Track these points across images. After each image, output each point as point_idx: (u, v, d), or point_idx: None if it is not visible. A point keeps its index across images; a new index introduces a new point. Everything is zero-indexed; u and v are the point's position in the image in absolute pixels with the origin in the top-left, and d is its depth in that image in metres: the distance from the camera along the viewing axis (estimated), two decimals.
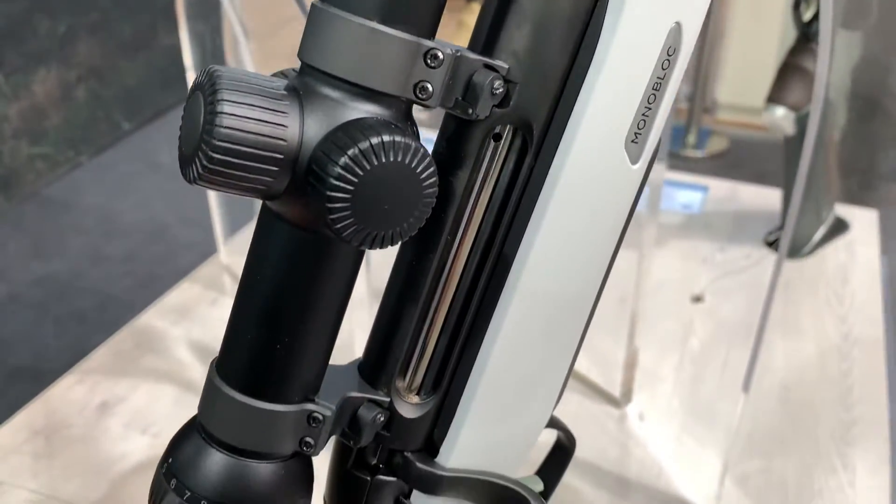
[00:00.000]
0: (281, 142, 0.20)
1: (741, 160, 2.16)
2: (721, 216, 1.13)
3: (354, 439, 0.26)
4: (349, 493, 0.27)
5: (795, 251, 1.03)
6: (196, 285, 0.99)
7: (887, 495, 0.72)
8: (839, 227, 1.06)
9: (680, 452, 0.76)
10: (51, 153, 2.46)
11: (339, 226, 0.20)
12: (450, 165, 0.24)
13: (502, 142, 0.24)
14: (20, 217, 2.36)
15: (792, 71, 0.88)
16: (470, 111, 0.23)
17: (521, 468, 0.33)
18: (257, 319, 0.24)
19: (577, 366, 0.86)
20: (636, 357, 0.82)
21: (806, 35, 0.87)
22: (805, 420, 0.80)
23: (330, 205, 0.20)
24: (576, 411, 0.81)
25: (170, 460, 0.25)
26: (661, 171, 0.76)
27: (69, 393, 0.83)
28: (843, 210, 1.10)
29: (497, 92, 0.23)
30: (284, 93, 0.21)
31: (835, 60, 0.89)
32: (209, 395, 0.25)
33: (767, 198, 1.15)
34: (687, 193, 1.16)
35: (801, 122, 0.89)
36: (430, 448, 0.27)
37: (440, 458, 0.27)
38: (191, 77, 0.99)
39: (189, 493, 0.24)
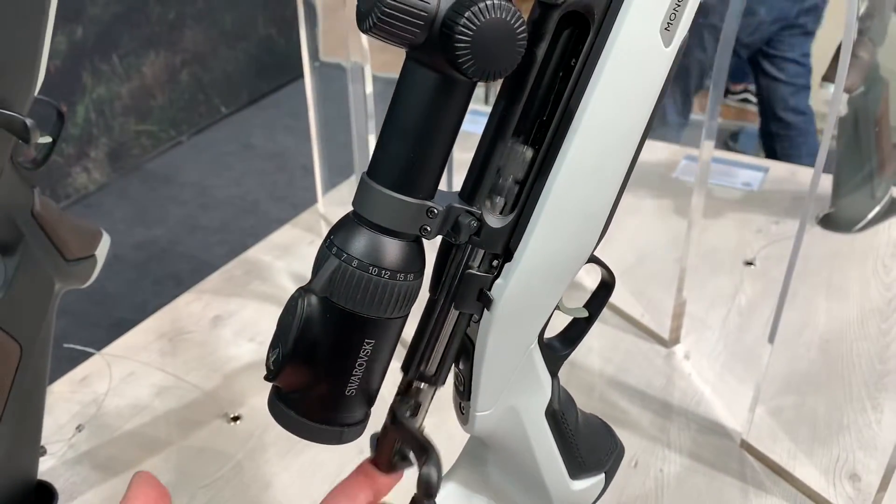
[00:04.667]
0: (426, 4, 0.31)
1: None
2: (779, 194, 1.20)
3: (455, 237, 0.37)
4: (449, 285, 0.38)
5: (849, 226, 1.09)
6: (297, 228, 1.12)
7: None
8: (894, 206, 1.12)
9: (719, 387, 0.85)
10: (155, 131, 2.67)
11: (461, 61, 0.31)
12: (534, 39, 0.35)
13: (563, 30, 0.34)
14: (125, 187, 2.57)
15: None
16: None
17: (574, 301, 0.43)
18: (398, 136, 0.34)
19: (632, 311, 0.95)
20: (684, 306, 0.91)
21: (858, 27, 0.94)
22: (841, 368, 0.87)
23: (457, 45, 0.31)
24: (628, 348, 0.90)
25: (331, 237, 0.36)
26: (709, 149, 0.85)
27: (188, 307, 0.97)
28: None
29: None
30: None
31: (889, 44, 0.96)
32: (362, 190, 0.36)
33: (825, 179, 1.21)
34: (748, 172, 1.24)
35: (853, 103, 0.96)
36: (507, 254, 0.38)
37: (513, 262, 0.37)
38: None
39: (346, 255, 0.35)
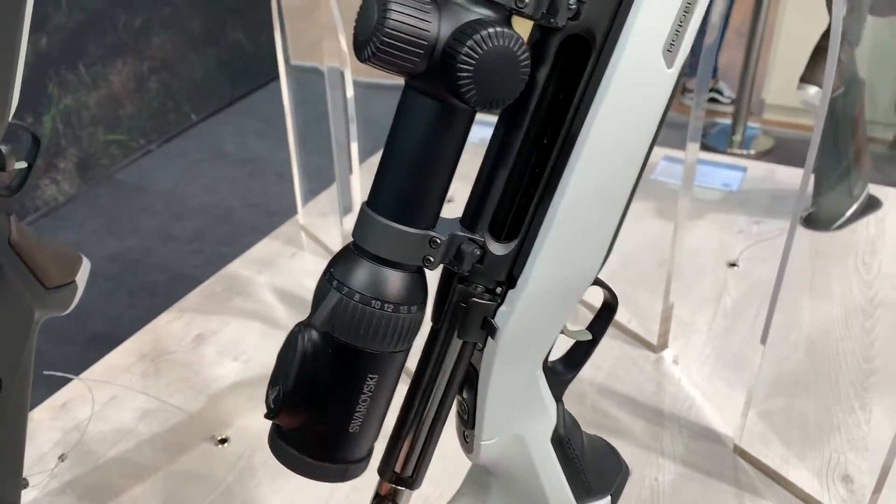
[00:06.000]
0: (426, 33, 0.30)
1: (787, 159, 2.22)
2: (758, 194, 1.21)
3: (458, 266, 0.36)
4: (452, 314, 0.37)
5: (828, 225, 1.10)
6: (277, 241, 1.11)
7: None
8: (872, 204, 1.13)
9: (709, 391, 0.85)
10: (124, 140, 2.62)
11: (463, 90, 0.30)
12: (535, 63, 0.34)
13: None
14: (96, 198, 2.52)
15: (823, 54, 0.95)
16: (552, 21, 0.32)
17: (574, 323, 0.43)
18: (398, 165, 0.34)
19: (619, 317, 0.95)
20: (671, 311, 0.91)
21: None
22: (828, 368, 0.87)
23: (459, 74, 0.30)
24: (617, 354, 0.90)
25: (331, 270, 0.35)
26: (694, 151, 0.85)
27: (168, 326, 0.95)
28: (877, 189, 1.17)
29: (572, 7, 0.32)
30: (428, 1, 0.31)
31: (865, 45, 0.96)
32: (362, 221, 0.35)
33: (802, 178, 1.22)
34: (727, 173, 1.24)
35: (832, 103, 0.97)
36: (511, 281, 0.37)
37: (517, 289, 0.36)
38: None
39: (347, 289, 0.34)
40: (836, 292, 0.99)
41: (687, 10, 0.34)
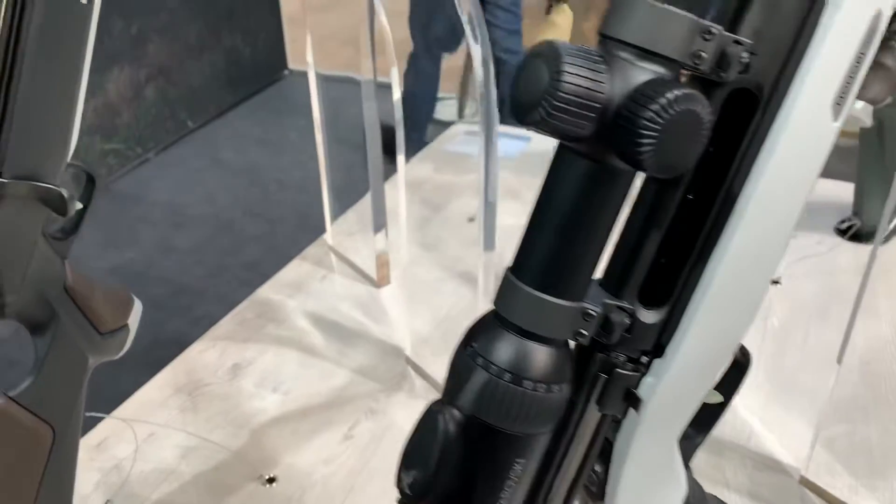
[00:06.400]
0: (601, 95, 0.27)
1: None
2: None
3: (607, 337, 0.33)
4: (591, 385, 0.34)
5: (871, 237, 1.08)
6: (306, 263, 1.07)
7: None
8: None
9: (767, 418, 0.82)
10: (121, 149, 2.56)
11: (642, 156, 0.27)
12: None
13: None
14: (94, 208, 2.47)
15: (871, 66, 0.93)
16: (722, 75, 0.30)
17: None
18: (552, 233, 0.31)
19: None
20: None
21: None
22: (885, 391, 0.85)
23: (640, 140, 0.27)
24: None
25: (474, 344, 0.32)
26: None
27: (202, 356, 0.91)
28: None
29: (743, 60, 0.30)
30: (600, 59, 0.28)
31: None
32: (508, 290, 0.32)
33: (835, 190, 1.21)
34: None
35: (879, 114, 0.95)
36: (658, 350, 0.34)
37: (665, 359, 0.34)
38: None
39: (495, 367, 0.31)
40: (885, 309, 0.97)
41: (859, 61, 0.31)
